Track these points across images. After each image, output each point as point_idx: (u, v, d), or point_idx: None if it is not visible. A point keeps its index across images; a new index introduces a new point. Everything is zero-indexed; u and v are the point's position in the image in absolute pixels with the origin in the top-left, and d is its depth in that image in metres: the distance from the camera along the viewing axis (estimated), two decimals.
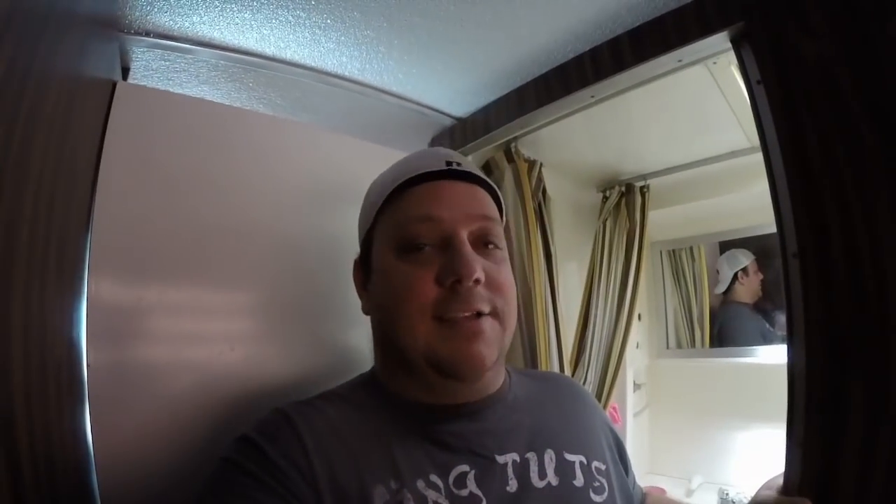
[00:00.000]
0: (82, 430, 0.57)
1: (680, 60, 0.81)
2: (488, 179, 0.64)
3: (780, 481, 0.63)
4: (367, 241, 0.65)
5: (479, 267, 0.54)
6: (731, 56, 0.77)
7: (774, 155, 0.67)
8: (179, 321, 0.71)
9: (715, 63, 0.92)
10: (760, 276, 1.85)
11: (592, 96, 0.95)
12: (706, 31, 0.73)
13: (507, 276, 0.59)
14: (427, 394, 0.58)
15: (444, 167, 0.60)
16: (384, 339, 0.62)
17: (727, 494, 1.52)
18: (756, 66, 0.68)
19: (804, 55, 0.63)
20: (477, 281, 0.54)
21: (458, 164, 0.60)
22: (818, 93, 0.62)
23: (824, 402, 0.59)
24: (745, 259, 1.86)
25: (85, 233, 0.63)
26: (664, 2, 0.78)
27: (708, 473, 1.72)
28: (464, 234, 0.57)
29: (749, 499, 0.65)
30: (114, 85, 0.68)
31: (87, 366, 0.59)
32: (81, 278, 0.61)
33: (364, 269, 0.66)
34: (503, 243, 0.62)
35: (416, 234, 0.57)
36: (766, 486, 0.65)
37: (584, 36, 0.88)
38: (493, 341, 0.55)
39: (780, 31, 0.66)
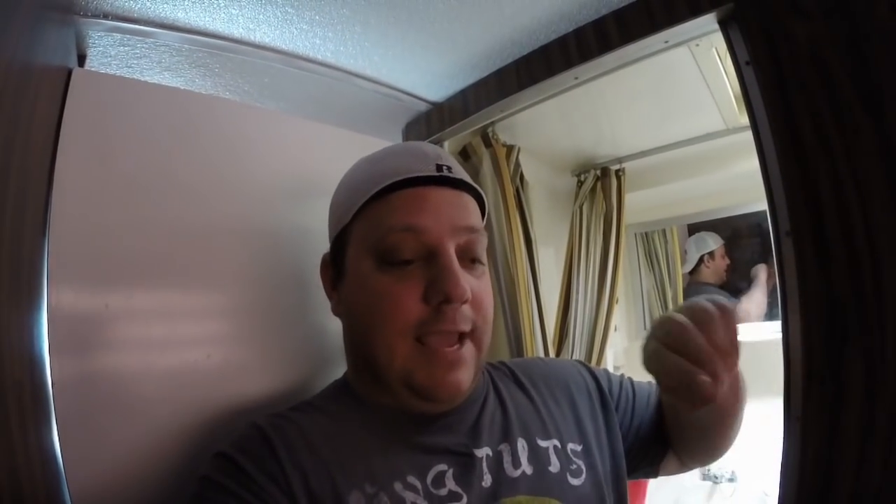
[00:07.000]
0: (52, 454, 0.52)
1: (666, 42, 0.79)
2: (477, 186, 0.61)
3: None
4: (340, 239, 0.60)
5: (468, 287, 0.52)
6: (714, 38, 0.76)
7: (765, 135, 0.66)
8: (150, 328, 0.66)
9: (698, 45, 0.91)
10: (727, 261, 1.89)
11: (576, 78, 0.93)
12: (694, 12, 0.71)
13: (487, 293, 0.58)
14: (402, 404, 0.57)
15: (434, 172, 0.55)
16: (356, 348, 0.60)
17: (709, 470, 1.56)
18: (745, 48, 0.67)
19: (794, 36, 0.62)
20: (465, 301, 0.52)
21: (449, 169, 0.57)
22: (808, 73, 0.61)
23: (822, 376, 0.59)
24: (713, 243, 1.89)
25: (42, 236, 0.56)
26: None
27: None
28: (451, 248, 0.53)
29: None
30: (69, 73, 0.61)
31: (52, 384, 0.54)
32: (40, 287, 0.55)
33: (335, 267, 0.62)
34: (486, 256, 0.60)
35: (399, 244, 0.53)
36: None
37: (569, 16, 0.85)
38: (471, 365, 0.55)
39: (770, 11, 0.65)
